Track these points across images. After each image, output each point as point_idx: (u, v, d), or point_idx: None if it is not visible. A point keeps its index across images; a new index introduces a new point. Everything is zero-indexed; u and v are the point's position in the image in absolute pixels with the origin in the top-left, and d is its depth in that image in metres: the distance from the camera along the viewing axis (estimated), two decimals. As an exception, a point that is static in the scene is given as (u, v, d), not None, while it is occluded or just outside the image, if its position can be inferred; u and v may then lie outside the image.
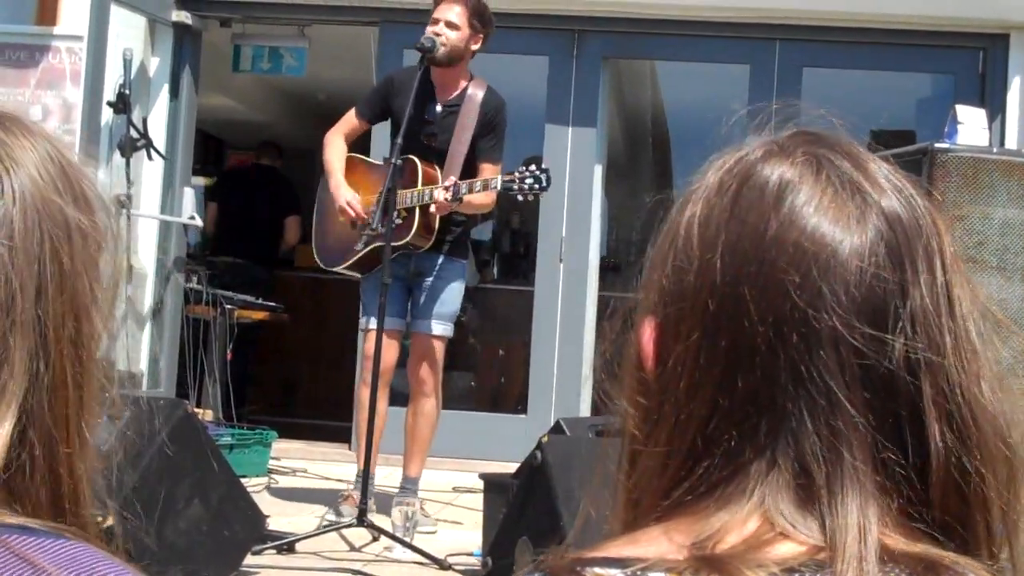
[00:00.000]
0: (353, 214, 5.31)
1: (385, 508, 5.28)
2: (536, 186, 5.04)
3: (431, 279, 5.39)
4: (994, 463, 0.84)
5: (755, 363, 0.83)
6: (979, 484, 0.83)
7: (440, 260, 5.40)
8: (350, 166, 5.53)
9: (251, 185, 9.08)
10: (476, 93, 5.39)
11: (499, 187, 5.12)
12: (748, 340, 0.83)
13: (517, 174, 5.08)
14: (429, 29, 5.29)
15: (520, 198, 5.11)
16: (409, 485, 5.42)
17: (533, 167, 5.09)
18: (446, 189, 5.10)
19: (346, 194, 5.36)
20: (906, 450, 0.83)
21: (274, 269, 8.91)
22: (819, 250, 0.83)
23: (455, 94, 5.41)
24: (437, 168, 5.28)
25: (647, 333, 0.89)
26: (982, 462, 0.84)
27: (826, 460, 0.81)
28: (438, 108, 5.39)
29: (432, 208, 5.15)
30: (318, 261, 5.65)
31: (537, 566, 0.82)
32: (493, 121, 5.40)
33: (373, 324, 5.15)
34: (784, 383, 0.83)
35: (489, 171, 5.32)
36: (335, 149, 5.51)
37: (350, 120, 5.58)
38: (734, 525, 0.81)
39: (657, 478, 0.87)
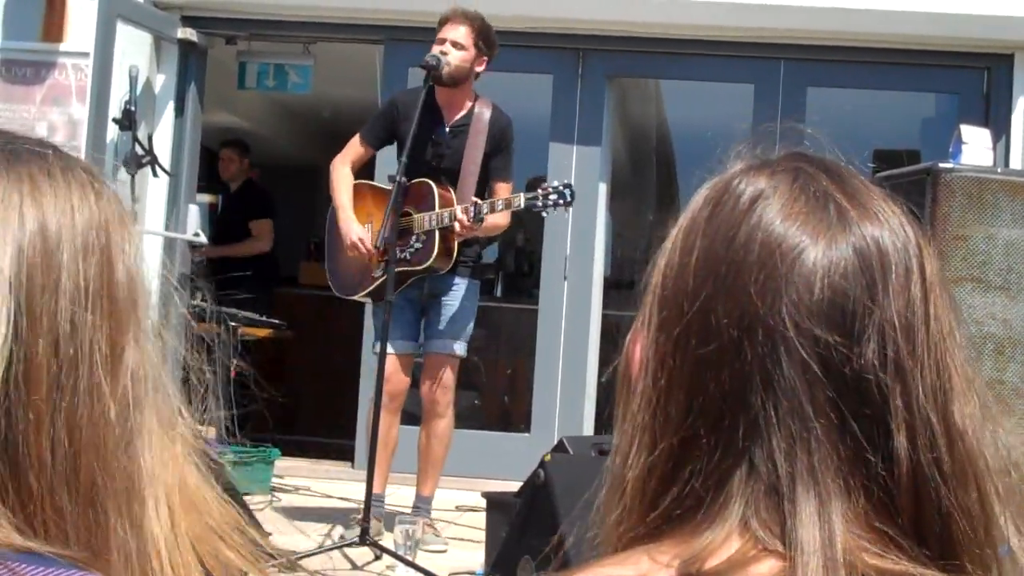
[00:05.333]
0: (364, 251, 5.24)
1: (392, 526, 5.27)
2: (561, 201, 5.02)
3: (445, 299, 5.37)
4: (965, 484, 0.84)
5: (724, 362, 0.85)
6: (951, 501, 0.83)
7: (454, 280, 5.38)
8: (358, 193, 5.46)
9: (239, 200, 8.83)
10: (483, 112, 5.37)
11: (524, 205, 5.08)
12: (716, 340, 0.85)
13: (541, 191, 5.05)
14: (435, 48, 5.28)
15: (544, 214, 5.14)
16: (422, 504, 5.42)
17: (556, 183, 5.07)
18: (465, 210, 5.06)
19: (357, 230, 5.28)
20: (877, 452, 0.83)
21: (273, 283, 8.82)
22: (784, 253, 0.85)
23: (462, 114, 5.38)
24: (451, 190, 5.26)
25: (635, 339, 0.92)
26: (953, 481, 0.84)
27: (788, 459, 0.82)
28: (446, 129, 5.36)
29: (456, 229, 5.09)
30: (334, 290, 5.57)
31: None
32: (503, 140, 5.38)
33: (387, 348, 5.07)
34: (755, 384, 0.84)
35: (503, 190, 5.32)
36: (342, 179, 5.43)
37: (355, 147, 5.49)
38: (718, 544, 0.82)
39: (643, 482, 0.87)
